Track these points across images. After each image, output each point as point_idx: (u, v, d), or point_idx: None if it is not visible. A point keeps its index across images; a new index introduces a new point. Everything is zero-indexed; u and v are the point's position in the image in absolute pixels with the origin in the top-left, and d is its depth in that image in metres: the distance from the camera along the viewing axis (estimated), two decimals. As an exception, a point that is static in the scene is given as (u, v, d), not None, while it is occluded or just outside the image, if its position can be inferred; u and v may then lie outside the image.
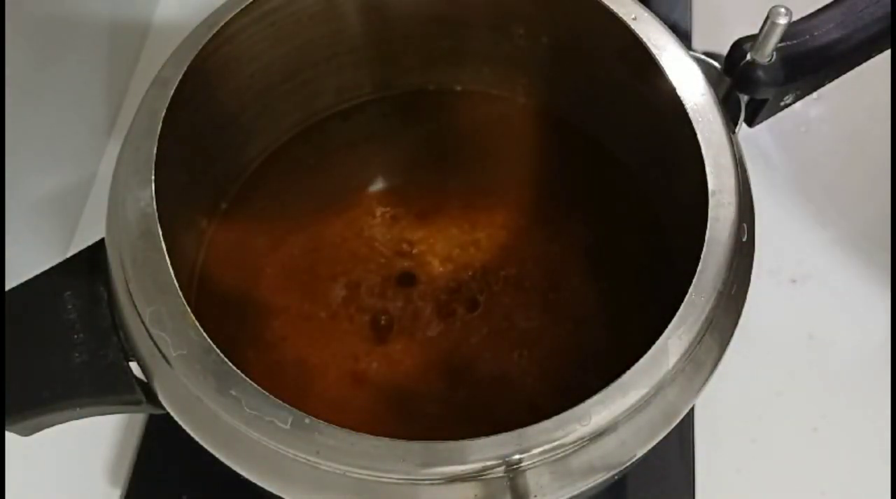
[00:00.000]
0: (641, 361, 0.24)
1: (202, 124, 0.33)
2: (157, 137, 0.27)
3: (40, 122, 0.41)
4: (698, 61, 0.30)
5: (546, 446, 0.23)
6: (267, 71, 0.35)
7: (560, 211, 0.37)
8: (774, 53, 0.30)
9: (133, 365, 0.27)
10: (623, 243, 0.36)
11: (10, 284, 0.28)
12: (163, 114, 0.28)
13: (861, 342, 0.42)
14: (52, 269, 0.28)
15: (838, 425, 0.40)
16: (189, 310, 0.25)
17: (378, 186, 0.39)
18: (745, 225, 0.27)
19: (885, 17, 0.31)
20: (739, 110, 0.32)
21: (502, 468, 0.23)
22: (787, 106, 0.33)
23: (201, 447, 0.25)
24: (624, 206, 0.37)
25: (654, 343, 0.24)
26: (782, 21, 0.29)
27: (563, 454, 0.23)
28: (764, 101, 0.32)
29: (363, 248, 0.37)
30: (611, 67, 0.33)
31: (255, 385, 0.24)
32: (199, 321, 0.25)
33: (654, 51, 0.29)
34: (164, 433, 0.39)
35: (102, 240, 0.28)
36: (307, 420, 0.23)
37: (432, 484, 0.23)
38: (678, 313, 0.24)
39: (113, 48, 0.49)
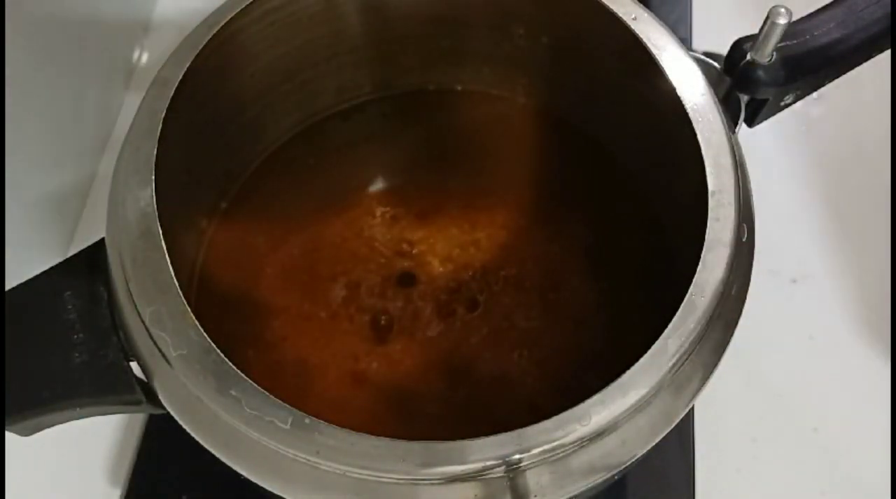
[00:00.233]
0: (641, 361, 0.24)
1: (202, 124, 0.33)
2: (157, 137, 0.27)
3: (40, 122, 0.41)
4: (698, 61, 0.30)
5: (546, 446, 0.23)
6: (267, 71, 0.35)
7: (560, 211, 0.37)
8: (774, 53, 0.30)
9: (133, 365, 0.27)
10: (623, 243, 0.36)
11: (10, 284, 0.28)
12: (163, 114, 0.28)
13: (861, 342, 0.42)
14: (52, 269, 0.28)
15: (838, 425, 0.40)
16: (189, 310, 0.25)
17: (378, 186, 0.39)
18: (745, 225, 0.27)
19: (885, 17, 0.31)
20: (739, 110, 0.32)
21: (502, 468, 0.23)
22: (787, 106, 0.33)
23: (201, 447, 0.25)
24: (624, 206, 0.37)
25: (653, 343, 0.24)
26: (782, 21, 0.29)
27: (563, 454, 0.23)
28: (764, 101, 0.32)
29: (363, 248, 0.37)
30: (611, 67, 0.33)
31: (255, 385, 0.24)
32: (199, 321, 0.25)
33: (654, 51, 0.29)
34: (164, 433, 0.39)
35: (102, 240, 0.28)
36: (307, 420, 0.23)
37: (432, 484, 0.23)
38: (678, 313, 0.24)
39: (113, 48, 0.49)
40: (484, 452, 0.22)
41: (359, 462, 0.22)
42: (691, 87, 0.28)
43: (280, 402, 0.23)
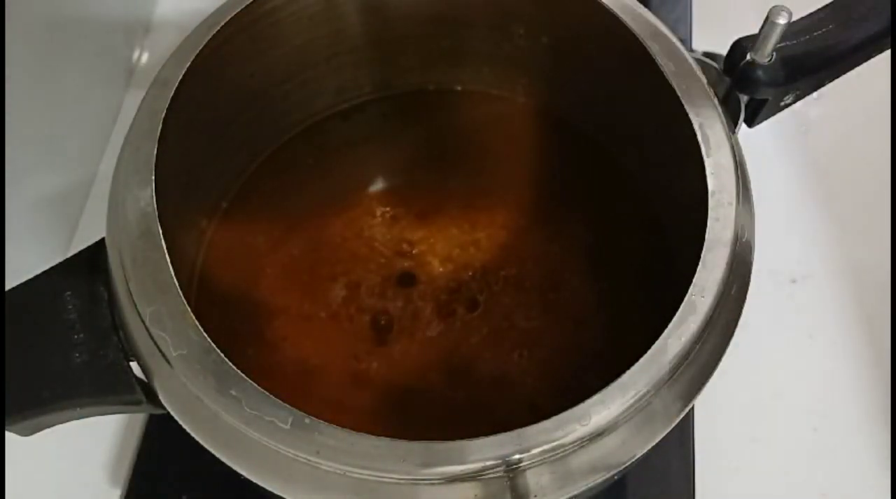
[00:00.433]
0: (641, 361, 0.24)
1: (202, 124, 0.33)
2: (157, 137, 0.27)
3: (40, 122, 0.41)
4: (698, 61, 0.30)
5: (546, 446, 0.23)
6: (267, 71, 0.35)
7: (560, 211, 0.37)
8: (774, 53, 0.30)
9: (133, 365, 0.27)
10: (623, 243, 0.36)
11: (10, 284, 0.28)
12: (163, 114, 0.28)
13: (861, 342, 0.42)
14: (52, 269, 0.28)
15: (838, 425, 0.40)
16: (189, 310, 0.25)
17: (378, 186, 0.39)
18: (744, 225, 0.27)
19: (885, 17, 0.31)
20: (739, 110, 0.32)
21: (502, 468, 0.23)
22: (787, 106, 0.33)
23: (201, 447, 0.25)
24: (624, 206, 0.37)
25: (653, 343, 0.24)
26: (782, 21, 0.29)
27: (563, 454, 0.23)
28: (764, 101, 0.32)
29: (363, 248, 0.37)
30: (611, 67, 0.33)
31: (255, 385, 0.24)
32: (199, 321, 0.25)
33: (654, 51, 0.29)
34: (164, 433, 0.39)
35: (102, 240, 0.28)
36: (307, 420, 0.23)
37: (432, 484, 0.23)
38: (678, 313, 0.24)
39: (113, 48, 0.49)
40: (484, 452, 0.22)
41: (359, 462, 0.22)
42: (691, 87, 0.28)
43: (280, 402, 0.23)
